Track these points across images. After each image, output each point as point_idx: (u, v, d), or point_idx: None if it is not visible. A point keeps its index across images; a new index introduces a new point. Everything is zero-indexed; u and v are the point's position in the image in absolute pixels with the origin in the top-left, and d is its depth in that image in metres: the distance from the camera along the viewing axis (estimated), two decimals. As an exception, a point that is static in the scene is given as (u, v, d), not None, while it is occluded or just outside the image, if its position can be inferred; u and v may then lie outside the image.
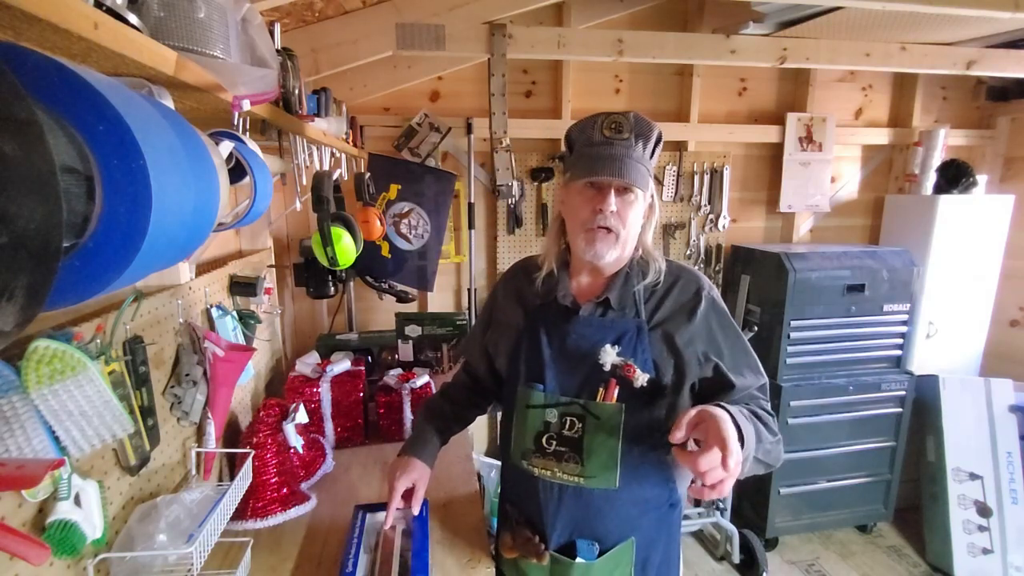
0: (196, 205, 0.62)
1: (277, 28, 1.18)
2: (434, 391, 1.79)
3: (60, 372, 0.68)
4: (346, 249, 1.36)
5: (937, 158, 2.77)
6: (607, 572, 1.02)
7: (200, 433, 1.19)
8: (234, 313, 1.42)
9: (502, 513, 1.20)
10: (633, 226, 0.99)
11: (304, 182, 1.49)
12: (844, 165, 2.95)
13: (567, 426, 1.01)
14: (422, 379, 1.78)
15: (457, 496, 1.39)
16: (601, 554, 1.02)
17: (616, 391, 0.98)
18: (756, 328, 2.63)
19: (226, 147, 0.90)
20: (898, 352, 2.66)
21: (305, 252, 2.00)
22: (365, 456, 1.63)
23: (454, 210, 2.52)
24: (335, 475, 1.52)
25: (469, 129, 2.42)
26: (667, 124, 2.65)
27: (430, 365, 2.19)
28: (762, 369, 1.05)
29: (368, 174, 1.81)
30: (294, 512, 1.30)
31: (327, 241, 1.31)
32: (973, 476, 2.53)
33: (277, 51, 1.08)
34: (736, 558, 2.53)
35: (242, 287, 1.51)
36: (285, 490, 1.32)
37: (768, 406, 1.01)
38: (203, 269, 1.38)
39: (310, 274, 2.01)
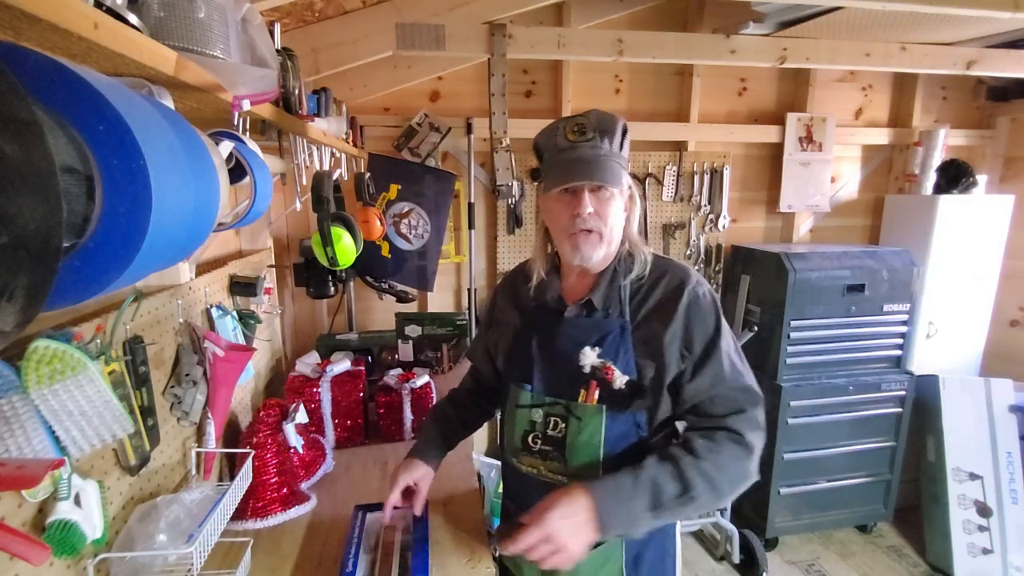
0: (196, 205, 0.62)
1: (277, 28, 1.18)
2: (434, 391, 1.79)
3: (60, 372, 0.68)
4: (346, 249, 1.36)
5: (937, 158, 2.77)
6: (596, 567, 1.03)
7: (200, 433, 1.20)
8: (234, 313, 1.42)
9: (504, 507, 1.24)
10: (615, 222, 0.99)
11: (304, 182, 1.49)
12: (844, 165, 2.95)
13: (551, 426, 1.02)
14: (422, 379, 1.78)
15: (457, 496, 1.39)
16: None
17: (597, 392, 0.98)
18: (756, 328, 2.63)
19: (226, 147, 0.91)
20: (898, 352, 2.66)
21: (305, 252, 2.00)
22: (365, 456, 1.63)
23: (454, 210, 2.52)
24: (335, 475, 1.52)
25: (469, 129, 2.42)
26: (667, 124, 2.65)
27: (430, 365, 2.19)
28: (744, 372, 0.98)
29: (368, 174, 1.81)
30: (294, 512, 1.30)
31: (327, 241, 1.31)
32: (973, 476, 2.53)
33: (277, 51, 1.08)
34: (736, 558, 2.53)
35: (242, 287, 1.52)
36: (285, 490, 1.32)
37: (741, 421, 0.95)
38: (203, 269, 1.38)
39: (310, 274, 2.01)
